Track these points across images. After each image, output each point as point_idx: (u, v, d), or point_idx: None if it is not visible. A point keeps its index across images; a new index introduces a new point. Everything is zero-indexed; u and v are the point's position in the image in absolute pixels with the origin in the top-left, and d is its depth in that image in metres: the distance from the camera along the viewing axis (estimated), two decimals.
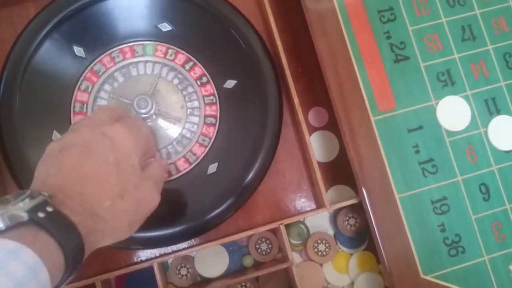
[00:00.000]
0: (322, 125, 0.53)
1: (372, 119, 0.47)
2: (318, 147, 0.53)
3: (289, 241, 0.50)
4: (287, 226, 0.50)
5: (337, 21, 0.48)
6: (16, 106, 0.47)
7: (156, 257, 0.46)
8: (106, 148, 0.36)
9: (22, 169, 0.47)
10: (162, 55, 0.50)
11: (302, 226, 0.50)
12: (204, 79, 0.50)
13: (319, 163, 0.52)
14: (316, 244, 0.50)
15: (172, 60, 0.50)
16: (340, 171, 0.52)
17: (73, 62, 0.48)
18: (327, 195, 0.52)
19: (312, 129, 0.53)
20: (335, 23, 0.48)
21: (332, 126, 0.53)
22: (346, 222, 0.51)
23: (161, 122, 0.49)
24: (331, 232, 0.52)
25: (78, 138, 0.36)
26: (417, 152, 0.47)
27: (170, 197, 0.47)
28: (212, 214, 0.47)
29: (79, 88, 0.49)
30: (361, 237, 0.51)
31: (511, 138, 0.48)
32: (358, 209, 0.50)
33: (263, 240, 0.50)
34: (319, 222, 0.52)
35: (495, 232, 0.47)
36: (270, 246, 0.50)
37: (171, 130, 0.50)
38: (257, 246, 0.50)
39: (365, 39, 0.48)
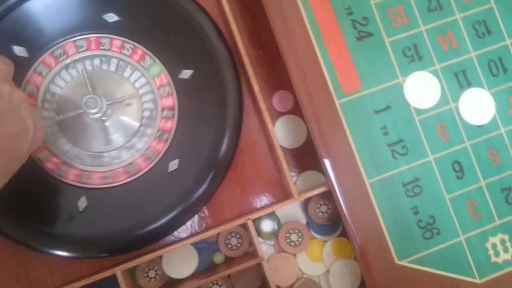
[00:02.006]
0: (287, 109, 0.51)
1: (337, 102, 0.45)
2: (284, 133, 0.50)
3: (261, 234, 0.48)
4: (257, 219, 0.48)
5: (295, 5, 0.45)
6: None
7: (120, 263, 0.44)
8: None
9: None
10: (108, 48, 0.47)
11: (273, 217, 0.49)
12: (162, 81, 0.47)
13: (286, 149, 0.50)
14: (288, 234, 0.48)
15: (120, 52, 0.47)
16: (309, 156, 0.50)
17: (16, 66, 0.45)
18: (297, 182, 0.50)
19: (278, 114, 0.51)
20: (292, 1, 0.45)
21: (298, 110, 0.50)
22: (318, 210, 0.49)
23: (118, 117, 0.47)
24: (303, 221, 0.50)
25: None
26: (386, 133, 0.45)
27: (131, 199, 0.45)
28: (176, 213, 0.45)
29: (25, 84, 0.46)
30: (334, 223, 0.49)
31: (483, 112, 0.46)
32: (330, 196, 0.48)
33: (233, 235, 0.48)
34: (291, 211, 0.50)
35: (471, 211, 0.45)
36: (240, 240, 0.48)
37: (129, 124, 0.47)
38: (227, 241, 0.48)
39: (325, 17, 0.45)
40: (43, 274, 0.46)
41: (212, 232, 0.44)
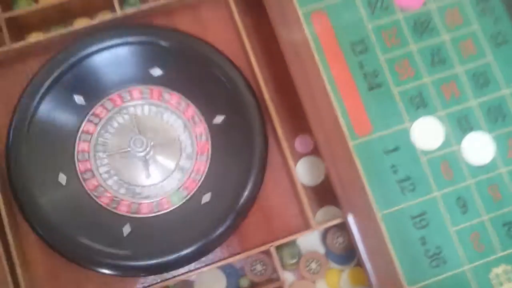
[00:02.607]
0: (308, 151, 0.57)
1: (350, 144, 0.51)
2: (305, 171, 0.56)
3: (283, 261, 0.53)
4: (280, 248, 0.53)
5: (312, 55, 0.52)
6: (23, 153, 0.52)
7: (156, 283, 0.50)
8: None
9: (32, 209, 0.51)
10: (156, 98, 0.55)
11: (294, 246, 0.54)
12: (196, 119, 0.55)
13: (307, 186, 0.56)
14: (308, 263, 0.53)
15: (162, 101, 0.55)
16: (328, 193, 0.55)
17: (74, 110, 0.53)
18: (317, 216, 0.56)
19: (300, 155, 0.57)
20: (310, 57, 0.52)
21: (317, 151, 0.56)
22: (335, 241, 0.54)
23: (158, 158, 0.54)
24: (322, 251, 0.55)
25: None
26: (395, 172, 0.51)
27: (168, 226, 0.52)
28: (208, 239, 0.51)
29: (81, 133, 0.54)
30: (350, 253, 0.54)
31: (484, 154, 0.51)
32: (346, 228, 0.53)
33: (258, 261, 0.53)
34: (311, 242, 0.55)
35: (474, 243, 0.50)
36: (264, 267, 0.53)
37: (166, 165, 0.54)
38: (252, 268, 0.53)
39: (340, 70, 0.52)
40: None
41: (238, 257, 0.50)
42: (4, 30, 0.54)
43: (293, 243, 0.54)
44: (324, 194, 0.56)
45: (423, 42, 0.54)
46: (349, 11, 0.54)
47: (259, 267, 0.53)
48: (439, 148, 0.52)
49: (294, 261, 0.54)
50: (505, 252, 0.50)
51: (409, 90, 0.53)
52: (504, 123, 0.52)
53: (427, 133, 0.52)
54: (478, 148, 0.52)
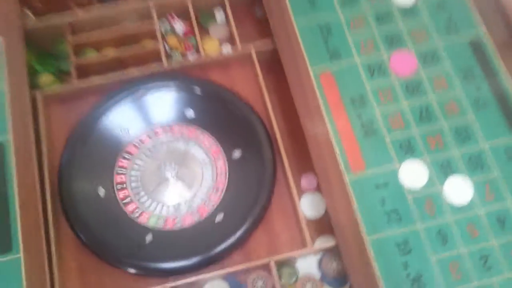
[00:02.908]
0: (312, 188, 0.66)
1: (346, 178, 0.59)
2: (308, 205, 0.64)
3: (282, 281, 0.60)
4: (280, 267, 0.60)
5: (319, 106, 0.63)
6: (73, 170, 0.63)
7: (169, 282, 0.57)
8: None
9: (76, 218, 0.61)
10: (187, 134, 0.66)
11: (293, 268, 0.61)
12: (219, 154, 0.65)
13: (309, 219, 0.64)
14: (304, 284, 0.60)
15: (195, 138, 0.66)
16: (327, 224, 0.62)
17: (120, 137, 0.65)
18: (316, 243, 0.63)
19: (305, 190, 0.66)
20: (317, 108, 0.63)
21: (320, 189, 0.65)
22: (330, 266, 0.60)
23: (180, 183, 0.64)
24: (318, 275, 0.61)
25: None
26: (383, 204, 0.58)
27: (186, 238, 0.60)
28: (218, 250, 0.59)
29: (122, 156, 0.65)
30: (343, 278, 0.60)
31: (463, 195, 0.59)
32: (340, 254, 0.60)
33: (259, 277, 0.60)
34: (308, 266, 0.62)
35: (453, 271, 0.55)
36: (265, 283, 0.60)
37: (187, 191, 0.64)
38: (255, 283, 0.60)
39: (341, 119, 0.62)
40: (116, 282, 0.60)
41: (241, 266, 0.58)
42: (73, 72, 0.67)
43: (292, 264, 0.61)
44: (324, 225, 0.63)
45: (414, 101, 0.64)
46: (352, 74, 0.65)
47: (260, 283, 0.60)
48: (424, 187, 0.60)
49: (292, 281, 0.60)
50: (481, 282, 0.55)
51: (399, 138, 0.62)
52: (483, 171, 0.60)
53: (413, 173, 0.60)
54: (459, 190, 0.59)
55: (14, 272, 0.55)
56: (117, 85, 0.67)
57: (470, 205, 0.59)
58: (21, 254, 0.55)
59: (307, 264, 0.62)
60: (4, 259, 0.55)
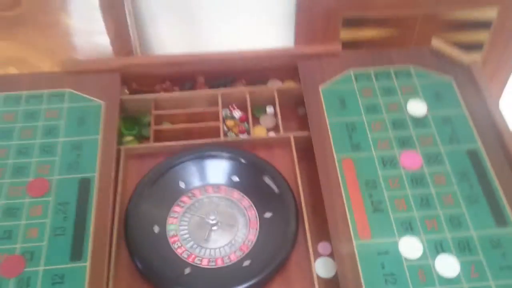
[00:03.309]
0: (326, 254, 0.78)
1: (354, 243, 0.72)
2: (322, 266, 0.76)
3: None
4: None
5: (338, 185, 0.78)
6: (138, 208, 0.79)
7: None
8: None
9: (134, 246, 0.75)
10: (230, 195, 0.82)
11: None
12: (253, 214, 0.80)
13: (320, 278, 0.75)
14: None
15: (236, 199, 0.82)
16: (335, 284, 0.74)
17: (178, 189, 0.82)
18: None
19: (320, 255, 0.78)
20: (336, 186, 0.78)
21: (333, 256, 0.77)
22: None
23: (219, 231, 0.78)
24: None
25: None
26: (383, 267, 0.70)
27: (216, 275, 0.73)
28: (243, 287, 0.71)
29: (177, 203, 0.81)
30: None
31: (451, 270, 0.70)
32: None
33: None
34: None
35: None
36: None
37: (224, 239, 0.78)
38: None
39: (355, 196, 0.76)
40: None
41: None
42: (152, 136, 0.87)
43: None
44: (331, 285, 0.75)
45: (416, 190, 0.78)
46: (368, 163, 0.81)
47: None
48: (418, 259, 0.71)
49: None
50: None
51: (401, 217, 0.75)
52: (470, 253, 0.72)
53: (410, 247, 0.72)
54: (447, 265, 0.71)
55: (80, 277, 0.69)
56: (183, 149, 0.85)
57: (457, 279, 0.69)
58: (88, 264, 0.70)
59: None
60: (76, 265, 0.70)
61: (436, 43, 0.97)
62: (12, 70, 1.19)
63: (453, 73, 0.93)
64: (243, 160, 0.84)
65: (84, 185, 0.77)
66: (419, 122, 0.85)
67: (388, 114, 0.87)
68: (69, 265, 0.70)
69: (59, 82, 0.89)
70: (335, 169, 0.80)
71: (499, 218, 0.74)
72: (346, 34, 1.37)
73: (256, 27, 1.43)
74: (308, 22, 1.36)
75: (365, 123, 0.85)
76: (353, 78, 0.92)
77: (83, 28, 1.29)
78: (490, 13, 1.38)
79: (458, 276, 0.69)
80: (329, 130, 0.84)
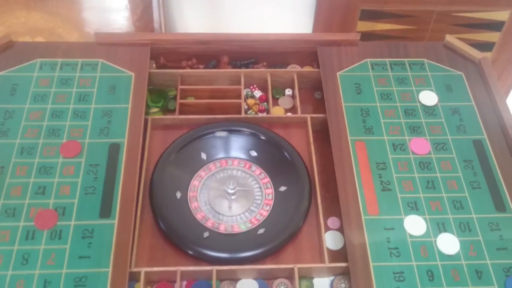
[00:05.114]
0: (336, 228, 0.84)
1: (363, 218, 0.78)
2: (331, 239, 0.82)
3: None
4: (301, 280, 0.77)
5: (350, 164, 0.83)
6: (162, 174, 0.84)
7: (217, 265, 0.75)
8: None
9: (158, 208, 0.81)
10: (248, 167, 0.87)
11: (311, 282, 0.77)
12: (268, 185, 0.86)
13: (330, 250, 0.81)
14: None
15: (253, 172, 0.87)
16: (342, 255, 0.79)
17: (198, 159, 0.87)
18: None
19: (330, 229, 0.83)
20: (349, 165, 0.83)
21: (342, 229, 0.83)
22: (339, 285, 0.76)
23: (236, 200, 0.84)
24: None
25: None
26: (388, 241, 0.75)
27: (232, 240, 0.79)
28: (255, 253, 0.76)
29: (198, 174, 0.86)
30: None
31: (451, 248, 0.75)
32: (348, 277, 0.76)
33: (283, 284, 0.77)
34: (322, 285, 0.78)
35: None
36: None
37: (240, 207, 0.83)
38: (278, 287, 0.76)
39: (366, 176, 0.82)
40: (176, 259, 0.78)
41: (271, 266, 0.75)
42: (177, 109, 0.92)
43: (310, 280, 0.78)
44: (338, 256, 0.80)
45: (424, 174, 0.83)
46: (380, 146, 0.86)
47: (282, 287, 0.77)
48: (421, 236, 0.77)
49: None
50: None
51: (408, 197, 0.81)
52: (470, 233, 0.77)
53: (414, 224, 0.78)
54: (448, 243, 0.76)
55: (108, 233, 0.75)
56: (206, 123, 0.90)
57: (457, 256, 0.75)
58: (116, 222, 0.76)
59: (322, 283, 0.78)
60: (104, 222, 0.76)
61: (450, 39, 1.02)
62: (41, 40, 1.24)
63: (464, 68, 0.98)
64: (262, 137, 0.89)
65: (114, 150, 0.83)
66: (429, 111, 0.91)
67: (400, 102, 0.92)
68: (98, 222, 0.75)
69: (92, 52, 0.95)
70: (348, 150, 0.85)
71: (499, 204, 0.80)
72: (363, 26, 1.41)
73: (276, 14, 1.48)
74: (328, 12, 1.41)
75: (379, 109, 0.90)
76: (369, 66, 0.97)
77: (109, 6, 1.34)
78: (502, 15, 1.43)
79: (458, 253, 0.75)
80: (345, 114, 0.89)
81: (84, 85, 0.90)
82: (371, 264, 0.73)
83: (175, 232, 0.79)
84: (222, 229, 0.81)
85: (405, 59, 0.99)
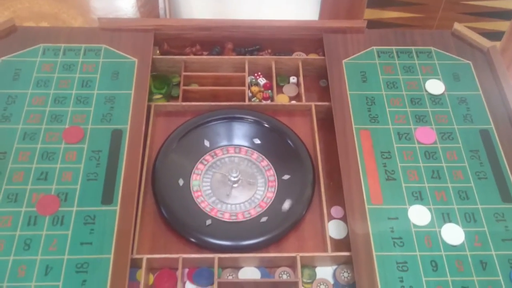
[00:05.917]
0: (339, 217, 0.83)
1: (366, 207, 0.77)
2: (334, 228, 0.81)
3: (303, 279, 0.75)
4: (303, 268, 0.76)
5: (355, 152, 0.82)
6: (164, 161, 0.84)
7: (219, 253, 0.75)
8: None
9: (160, 195, 0.80)
10: (250, 156, 0.87)
11: (313, 271, 0.77)
12: (271, 174, 0.85)
13: (333, 238, 0.80)
14: (318, 285, 0.75)
15: (256, 160, 0.86)
16: (344, 245, 0.79)
17: (202, 147, 0.86)
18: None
19: (333, 218, 0.83)
20: (353, 153, 0.82)
21: (345, 218, 0.82)
22: (342, 275, 0.76)
23: (239, 188, 0.83)
24: (332, 281, 0.77)
25: None
26: (392, 231, 0.75)
27: (236, 228, 0.78)
28: (258, 240, 0.76)
29: (200, 161, 0.86)
30: (352, 286, 0.75)
31: (456, 239, 0.74)
32: (351, 267, 0.75)
33: (285, 272, 0.76)
34: (325, 274, 0.77)
35: None
36: (289, 276, 0.76)
37: (243, 196, 0.83)
38: (281, 275, 0.76)
39: (370, 165, 0.81)
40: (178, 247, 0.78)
41: (274, 255, 0.75)
42: (180, 96, 0.91)
43: (312, 269, 0.77)
44: (341, 245, 0.79)
45: (429, 163, 0.82)
46: (385, 135, 0.85)
47: (285, 276, 0.76)
48: (425, 226, 0.76)
49: (310, 281, 0.76)
50: None
51: (412, 187, 0.80)
52: (476, 224, 0.76)
53: (418, 214, 0.77)
54: (453, 234, 0.75)
55: (110, 219, 0.74)
56: (209, 110, 0.90)
57: (461, 247, 0.74)
58: (118, 208, 0.75)
59: (324, 272, 0.78)
60: (106, 208, 0.75)
61: (458, 27, 1.00)
62: (45, 25, 1.23)
63: (472, 57, 0.97)
64: (266, 124, 0.89)
65: (116, 136, 0.82)
66: (436, 100, 0.89)
67: (406, 91, 0.90)
68: (100, 208, 0.75)
69: (96, 38, 0.94)
70: (353, 138, 0.84)
71: (505, 195, 0.79)
72: (371, 13, 1.40)
73: (282, 1, 1.46)
74: None
75: (384, 97, 0.89)
76: (375, 54, 0.96)
77: None
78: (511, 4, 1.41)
79: (462, 244, 0.74)
80: (350, 102, 0.88)
81: (87, 71, 0.90)
82: (374, 253, 0.73)
83: (177, 219, 0.78)
84: (224, 217, 0.81)
85: (412, 47, 0.98)
